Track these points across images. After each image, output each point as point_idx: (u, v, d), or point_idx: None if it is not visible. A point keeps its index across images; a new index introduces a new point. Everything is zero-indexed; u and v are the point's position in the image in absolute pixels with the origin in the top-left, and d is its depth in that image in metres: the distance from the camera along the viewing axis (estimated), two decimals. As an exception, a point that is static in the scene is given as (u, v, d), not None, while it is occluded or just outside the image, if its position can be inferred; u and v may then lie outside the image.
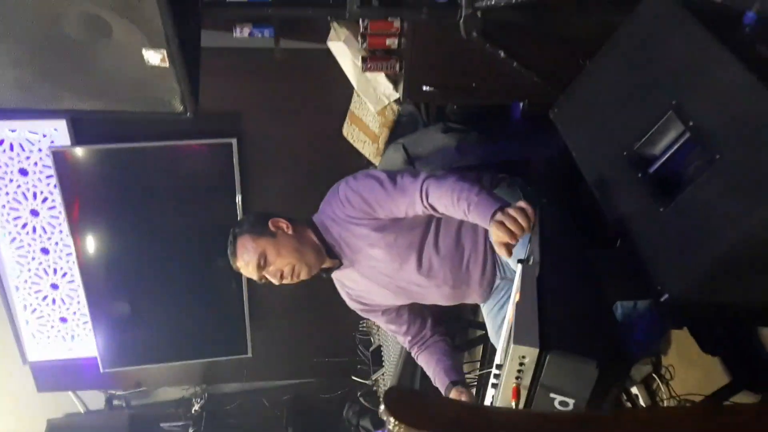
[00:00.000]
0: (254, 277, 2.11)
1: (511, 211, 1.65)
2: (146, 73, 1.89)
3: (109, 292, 3.76)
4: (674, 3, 1.65)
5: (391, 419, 0.85)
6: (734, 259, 1.32)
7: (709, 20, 1.58)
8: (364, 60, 2.45)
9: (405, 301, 2.32)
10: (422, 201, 1.97)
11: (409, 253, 2.11)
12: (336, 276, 2.26)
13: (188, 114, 1.98)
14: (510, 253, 1.65)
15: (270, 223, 2.11)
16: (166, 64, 1.83)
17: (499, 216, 1.67)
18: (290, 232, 2.12)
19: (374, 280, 2.21)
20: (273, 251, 2.08)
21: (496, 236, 1.66)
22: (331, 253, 2.15)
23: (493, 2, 1.94)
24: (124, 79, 1.92)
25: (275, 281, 2.11)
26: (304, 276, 2.12)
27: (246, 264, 2.09)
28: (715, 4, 1.98)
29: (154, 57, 1.82)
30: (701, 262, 1.36)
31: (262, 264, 2.08)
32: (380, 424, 3.70)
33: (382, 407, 0.89)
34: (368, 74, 2.57)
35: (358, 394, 3.95)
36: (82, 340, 3.93)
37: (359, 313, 2.42)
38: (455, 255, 2.13)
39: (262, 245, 2.08)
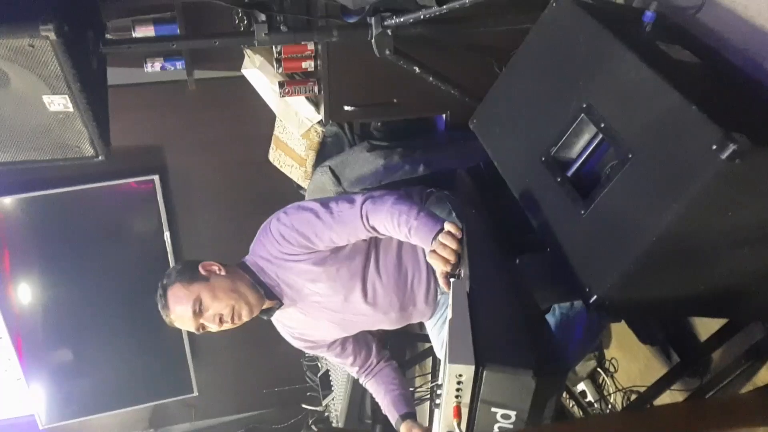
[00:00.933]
0: (191, 327, 1.98)
1: (440, 238, 1.64)
2: (50, 120, 1.82)
3: (44, 344, 3.63)
4: (576, 8, 1.69)
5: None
6: (655, 254, 1.34)
7: (611, 21, 1.61)
8: (281, 85, 2.43)
9: (351, 333, 2.28)
10: (365, 225, 1.92)
11: (353, 283, 2.05)
12: (276, 317, 2.18)
13: (99, 157, 1.91)
14: (447, 286, 1.63)
15: (201, 268, 2.00)
16: (70, 109, 1.76)
17: (432, 245, 1.66)
18: (223, 273, 2.01)
19: (318, 317, 2.15)
20: (208, 295, 1.95)
21: (435, 266, 1.66)
22: (270, 295, 2.06)
23: (402, 20, 1.94)
24: (28, 128, 1.85)
25: (214, 328, 1.99)
26: (245, 317, 2.00)
27: (181, 315, 1.96)
28: (615, 5, 2.04)
29: (57, 102, 1.75)
30: (624, 261, 1.37)
31: (197, 310, 1.94)
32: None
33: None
34: (288, 98, 2.54)
35: (310, 421, 3.90)
36: (16, 398, 3.75)
37: (303, 350, 2.36)
38: (399, 277, 2.10)
39: (195, 290, 1.95)
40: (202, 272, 1.99)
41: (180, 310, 1.96)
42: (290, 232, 1.99)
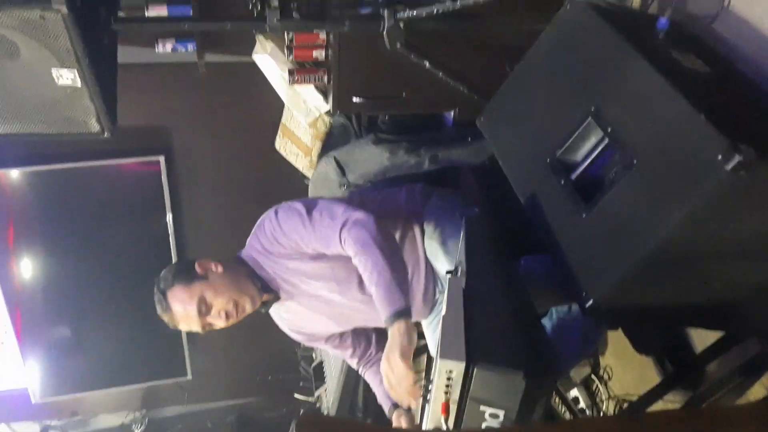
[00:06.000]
0: (196, 327, 1.97)
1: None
2: (59, 93, 1.82)
3: (42, 319, 3.64)
4: (590, 11, 1.68)
5: (305, 450, 0.82)
6: (654, 261, 1.34)
7: (624, 27, 1.60)
8: (291, 73, 2.42)
9: (348, 328, 2.28)
10: (342, 247, 1.92)
11: (350, 280, 2.04)
12: (274, 310, 2.18)
13: (105, 134, 1.91)
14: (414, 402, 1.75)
15: (197, 267, 1.99)
16: (78, 84, 1.76)
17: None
18: (220, 270, 1.99)
19: (316, 310, 2.14)
20: (210, 292, 1.94)
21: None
22: (267, 288, 2.05)
23: (414, 13, 1.93)
24: (36, 100, 1.85)
25: (221, 324, 1.99)
26: (249, 309, 2.02)
27: (186, 317, 1.96)
28: (630, 10, 2.03)
29: (65, 76, 1.75)
30: (623, 267, 1.36)
31: (203, 311, 1.95)
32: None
33: (294, 438, 0.85)
34: (297, 87, 2.54)
35: (301, 411, 3.89)
36: (11, 371, 3.76)
37: (302, 342, 2.36)
38: None
39: (197, 290, 1.94)
40: (199, 271, 1.98)
41: (184, 312, 1.95)
42: (280, 234, 2.00)
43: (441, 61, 2.24)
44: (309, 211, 1.97)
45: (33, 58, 1.74)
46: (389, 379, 1.69)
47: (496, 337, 1.34)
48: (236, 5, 2.38)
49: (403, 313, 1.72)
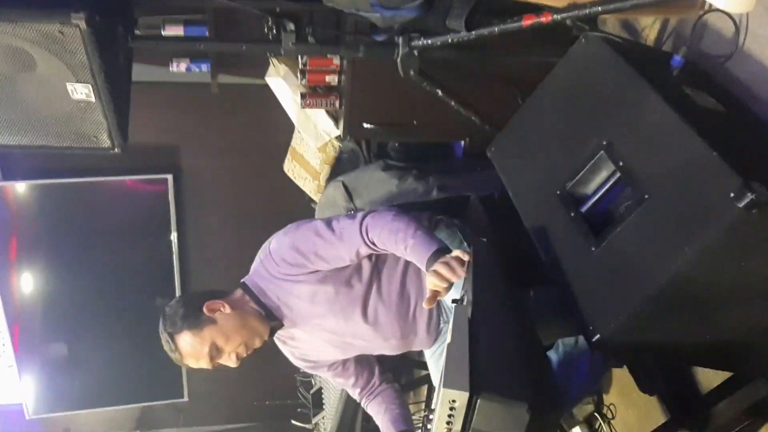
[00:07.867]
0: (206, 367, 1.98)
1: (448, 260, 1.63)
2: (72, 108, 1.83)
3: (41, 335, 3.62)
4: (605, 46, 1.68)
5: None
6: (662, 299, 1.32)
7: (639, 62, 1.61)
8: (303, 96, 2.44)
9: (351, 355, 2.26)
10: (365, 239, 1.90)
11: (354, 306, 2.03)
12: (278, 336, 2.17)
13: (116, 149, 1.92)
14: (432, 303, 1.66)
15: (205, 309, 1.97)
16: (92, 99, 1.77)
17: (435, 266, 1.65)
18: (228, 310, 1.97)
19: (319, 338, 2.13)
20: (221, 338, 1.94)
21: (431, 284, 1.64)
22: (271, 316, 2.04)
23: (429, 42, 1.94)
24: (49, 113, 1.86)
25: (232, 365, 1.99)
26: (258, 345, 2.02)
27: (195, 358, 1.96)
28: (644, 47, 2.04)
29: (80, 91, 1.76)
30: (631, 302, 1.35)
31: (214, 355, 1.95)
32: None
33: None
34: (308, 110, 2.55)
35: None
36: (6, 386, 3.73)
37: (304, 369, 2.34)
38: (401, 305, 2.08)
39: (207, 337, 1.93)
40: (207, 313, 1.96)
41: (195, 357, 1.96)
42: (289, 252, 1.98)
43: (453, 91, 2.25)
44: (328, 224, 1.97)
45: (48, 72, 1.75)
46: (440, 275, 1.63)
47: (501, 369, 1.31)
48: (252, 28, 2.41)
49: (443, 250, 1.72)
